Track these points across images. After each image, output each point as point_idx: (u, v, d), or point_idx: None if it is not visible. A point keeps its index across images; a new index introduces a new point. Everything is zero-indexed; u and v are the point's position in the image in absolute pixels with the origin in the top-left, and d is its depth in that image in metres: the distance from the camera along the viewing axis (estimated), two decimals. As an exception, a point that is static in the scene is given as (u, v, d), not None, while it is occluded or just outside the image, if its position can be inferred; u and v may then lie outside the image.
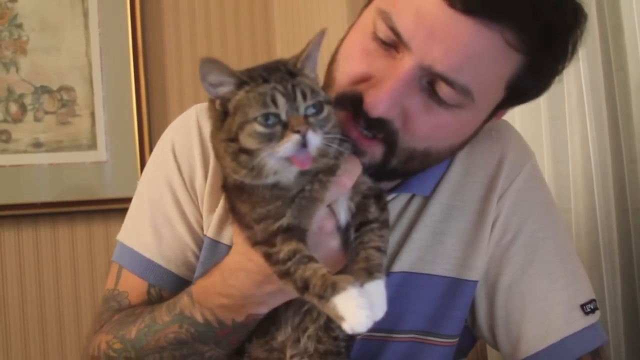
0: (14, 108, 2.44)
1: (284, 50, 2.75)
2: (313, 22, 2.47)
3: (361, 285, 0.88)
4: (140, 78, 2.54)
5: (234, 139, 0.88)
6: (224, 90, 0.91)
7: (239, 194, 0.93)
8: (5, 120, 2.43)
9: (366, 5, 1.09)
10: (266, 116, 0.86)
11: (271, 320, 1.03)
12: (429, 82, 0.97)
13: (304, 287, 0.86)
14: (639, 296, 1.54)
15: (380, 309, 0.88)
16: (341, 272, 0.94)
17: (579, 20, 1.00)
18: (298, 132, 0.85)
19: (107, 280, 1.23)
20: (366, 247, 0.94)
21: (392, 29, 0.97)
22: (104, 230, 2.50)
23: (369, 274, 0.90)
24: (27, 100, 2.45)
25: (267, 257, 0.91)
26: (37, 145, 2.45)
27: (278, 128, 0.86)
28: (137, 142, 2.51)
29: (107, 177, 2.50)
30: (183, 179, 1.19)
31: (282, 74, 0.89)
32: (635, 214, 1.54)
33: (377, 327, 0.85)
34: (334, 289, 0.84)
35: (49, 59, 2.48)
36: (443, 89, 0.97)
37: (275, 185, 0.89)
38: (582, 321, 1.13)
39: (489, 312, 1.16)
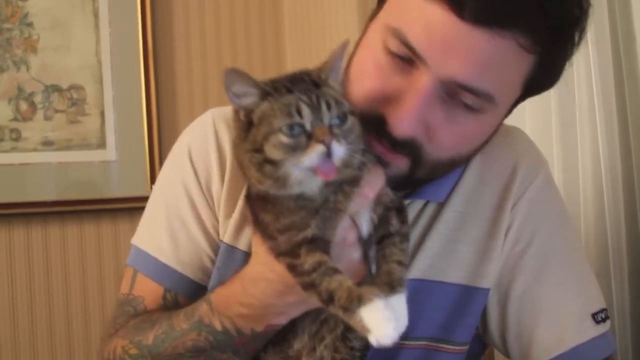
0: (24, 106, 2.45)
1: (293, 51, 2.75)
2: (324, 28, 2.47)
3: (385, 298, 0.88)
4: (150, 78, 2.55)
5: (259, 150, 0.89)
6: (248, 100, 0.91)
7: (263, 205, 0.93)
8: (15, 119, 2.44)
9: (371, 20, 1.08)
10: (291, 126, 0.86)
11: (288, 329, 1.03)
12: (447, 93, 0.97)
13: (329, 299, 0.87)
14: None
15: (402, 322, 0.89)
16: (359, 282, 0.95)
17: (584, 9, 1.00)
18: (322, 142, 0.85)
19: (121, 284, 1.22)
20: (388, 260, 0.95)
21: (406, 44, 0.96)
22: (112, 229, 2.50)
23: (392, 287, 0.91)
24: (37, 98, 2.46)
25: (291, 268, 0.91)
26: (47, 144, 2.45)
27: (303, 138, 0.86)
28: (147, 142, 2.51)
29: (116, 176, 2.50)
30: (200, 184, 1.18)
31: (307, 84, 0.89)
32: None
33: None
34: (360, 301, 0.84)
35: (59, 57, 2.49)
36: (467, 98, 0.97)
37: (300, 196, 0.90)
38: (593, 330, 1.13)
39: (501, 319, 1.16)
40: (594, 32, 1.54)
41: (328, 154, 0.85)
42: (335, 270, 0.89)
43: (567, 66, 1.05)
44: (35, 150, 2.44)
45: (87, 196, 2.49)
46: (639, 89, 1.53)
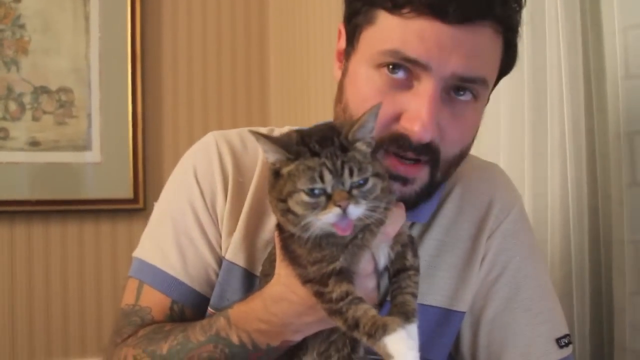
0: (13, 106, 2.50)
1: (277, 55, 2.82)
2: (307, 32, 2.54)
3: None
4: (136, 83, 2.61)
5: (284, 200, 0.96)
6: (275, 158, 0.98)
7: (295, 238, 1.00)
8: (4, 118, 2.49)
9: (347, 60, 1.17)
10: (312, 189, 0.93)
11: (299, 346, 1.10)
12: (447, 91, 1.08)
13: (355, 325, 0.95)
14: (605, 326, 1.64)
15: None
16: None
17: None
18: (339, 206, 0.92)
19: (123, 295, 1.27)
20: (403, 292, 1.04)
21: (406, 59, 1.06)
22: (94, 229, 2.56)
23: (407, 317, 0.99)
24: (26, 99, 2.52)
25: (319, 295, 0.98)
26: (34, 144, 2.51)
27: (322, 199, 0.93)
28: (131, 146, 2.57)
29: (100, 178, 2.56)
30: (205, 202, 1.25)
31: (334, 148, 0.95)
32: (607, 246, 1.63)
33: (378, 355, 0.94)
34: (385, 330, 0.92)
35: (50, 60, 2.55)
36: (470, 89, 1.09)
37: (332, 234, 0.96)
38: (557, 354, 1.23)
39: (472, 341, 1.25)
40: (568, 70, 1.64)
41: (344, 214, 0.92)
42: (361, 300, 0.96)
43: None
44: (22, 150, 2.50)
45: (72, 196, 2.54)
46: (607, 125, 1.62)
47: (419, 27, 1.05)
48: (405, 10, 1.05)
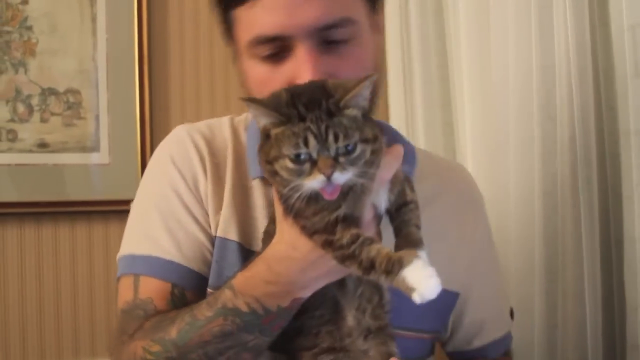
0: (21, 108, 2.50)
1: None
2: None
3: None
4: (144, 84, 2.60)
5: (271, 163, 0.97)
6: (263, 122, 0.99)
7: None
8: (12, 120, 2.49)
9: (235, 62, 1.24)
10: (297, 155, 0.94)
11: (337, 312, 1.11)
12: (321, 42, 1.12)
13: (371, 266, 0.95)
14: (617, 324, 1.65)
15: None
16: None
17: None
18: (324, 173, 0.93)
19: (119, 296, 1.26)
20: (407, 225, 1.06)
21: (271, 39, 1.12)
22: (103, 230, 2.56)
23: (414, 246, 1.01)
24: (34, 101, 2.51)
25: (329, 244, 0.99)
26: (42, 146, 2.51)
27: (307, 165, 0.94)
28: (139, 146, 2.57)
29: (108, 179, 2.56)
30: (187, 184, 1.26)
31: (321, 112, 0.95)
32: (618, 244, 1.64)
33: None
34: (401, 264, 0.93)
35: (57, 61, 2.54)
36: (339, 33, 1.12)
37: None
38: (510, 324, 1.50)
39: (457, 318, 1.41)
40: (577, 68, 1.64)
41: (329, 181, 0.93)
42: (372, 240, 0.98)
43: None
44: (30, 151, 2.50)
45: (80, 198, 2.54)
46: (616, 121, 1.62)
47: (261, 6, 1.11)
48: (246, 0, 1.12)
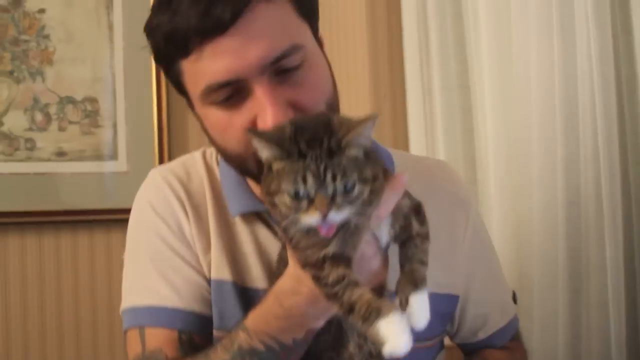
0: (39, 117, 2.50)
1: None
2: (332, 51, 2.54)
3: (407, 297, 1.00)
4: (161, 91, 2.61)
5: (271, 195, 0.97)
6: (265, 155, 0.99)
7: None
8: (30, 129, 2.50)
9: (192, 109, 1.22)
10: (296, 192, 0.93)
11: (338, 337, 1.11)
12: (275, 73, 1.11)
13: (350, 309, 0.95)
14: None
15: (424, 318, 1.01)
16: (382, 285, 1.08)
17: None
18: (320, 211, 0.92)
19: (129, 350, 1.26)
20: (412, 261, 1.05)
21: (224, 85, 1.10)
22: (122, 238, 2.55)
23: (415, 285, 1.02)
24: (52, 109, 2.52)
25: (316, 279, 0.99)
26: (60, 154, 2.51)
27: (305, 203, 0.93)
28: (157, 154, 2.57)
29: (127, 187, 2.56)
30: (172, 230, 1.27)
31: (322, 151, 0.94)
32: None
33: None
34: (378, 313, 0.92)
35: (75, 70, 2.55)
36: (290, 61, 1.11)
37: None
38: (514, 308, 1.50)
39: (460, 316, 1.43)
40: (600, 77, 1.63)
41: (325, 220, 0.93)
42: (357, 284, 0.97)
43: None
44: (49, 160, 2.50)
45: (98, 206, 2.54)
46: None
47: (208, 54, 1.09)
48: (191, 52, 1.10)
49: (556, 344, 1.76)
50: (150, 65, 2.59)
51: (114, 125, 2.57)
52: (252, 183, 1.27)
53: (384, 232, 1.05)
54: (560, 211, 1.74)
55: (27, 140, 2.49)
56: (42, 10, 2.53)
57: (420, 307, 1.00)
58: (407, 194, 1.07)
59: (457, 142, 2.23)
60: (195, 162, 1.36)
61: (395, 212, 1.04)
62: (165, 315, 1.23)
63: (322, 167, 0.93)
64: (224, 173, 1.30)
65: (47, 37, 2.53)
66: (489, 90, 2.03)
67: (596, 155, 1.66)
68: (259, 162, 1.02)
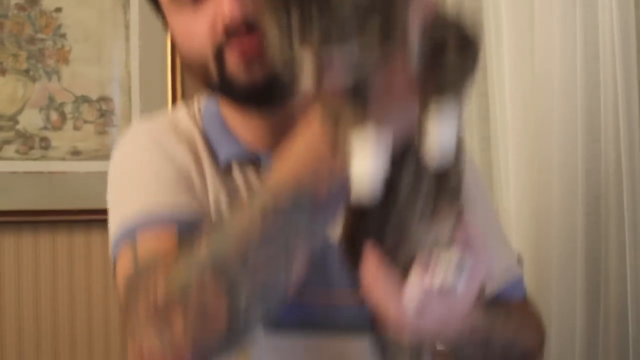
0: (54, 116, 2.50)
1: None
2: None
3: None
4: (177, 91, 2.60)
5: None
6: None
7: None
8: (45, 128, 2.49)
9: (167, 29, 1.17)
10: None
11: None
12: None
13: None
14: None
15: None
16: None
17: None
18: None
19: (118, 275, 1.07)
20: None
21: None
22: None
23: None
24: (67, 109, 2.52)
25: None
26: (75, 154, 2.51)
27: None
28: (171, 155, 2.57)
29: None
30: (178, 166, 1.14)
31: None
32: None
33: None
34: None
35: (90, 69, 2.55)
36: None
37: None
38: (520, 269, 1.33)
39: None
40: (623, 80, 1.62)
41: None
42: None
43: None
44: (63, 159, 2.50)
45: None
46: None
47: None
48: None
49: (573, 353, 1.76)
50: (166, 65, 2.59)
51: (129, 125, 2.56)
52: (237, 129, 1.18)
53: None
54: (579, 221, 1.74)
55: (42, 139, 2.49)
56: (58, 9, 2.53)
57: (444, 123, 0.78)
58: None
59: (473, 149, 2.22)
60: (182, 116, 1.23)
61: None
62: (163, 215, 1.03)
63: None
64: (209, 122, 1.20)
65: (63, 36, 2.53)
66: (510, 98, 2.02)
67: (618, 165, 1.65)
68: (221, 74, 1.02)
